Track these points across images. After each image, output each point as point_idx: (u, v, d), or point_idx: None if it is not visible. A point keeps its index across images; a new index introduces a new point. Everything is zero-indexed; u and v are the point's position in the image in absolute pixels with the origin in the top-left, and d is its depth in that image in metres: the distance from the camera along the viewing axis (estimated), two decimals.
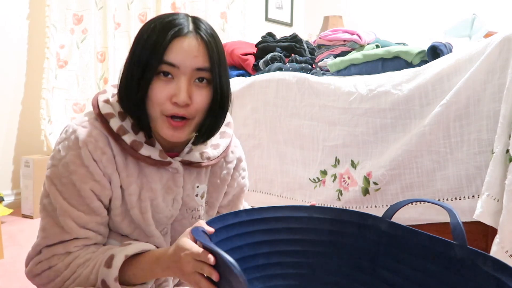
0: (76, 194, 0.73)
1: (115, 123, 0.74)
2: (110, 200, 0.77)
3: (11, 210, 1.87)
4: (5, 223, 1.99)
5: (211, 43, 0.72)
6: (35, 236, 0.75)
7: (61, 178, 0.73)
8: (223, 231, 0.83)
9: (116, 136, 0.73)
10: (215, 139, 0.86)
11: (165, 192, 0.81)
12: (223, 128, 0.87)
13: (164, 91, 0.70)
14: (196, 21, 0.74)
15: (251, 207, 0.93)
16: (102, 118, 0.74)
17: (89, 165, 0.72)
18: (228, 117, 0.88)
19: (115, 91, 0.79)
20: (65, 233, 0.73)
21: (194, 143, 0.82)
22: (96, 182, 0.73)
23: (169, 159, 0.78)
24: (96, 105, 0.76)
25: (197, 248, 0.62)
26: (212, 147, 0.85)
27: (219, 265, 0.59)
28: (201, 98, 0.73)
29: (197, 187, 0.85)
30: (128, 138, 0.74)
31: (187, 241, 0.64)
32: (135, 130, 0.76)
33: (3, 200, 2.07)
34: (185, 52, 0.70)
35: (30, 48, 2.37)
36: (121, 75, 0.75)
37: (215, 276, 0.57)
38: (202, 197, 0.87)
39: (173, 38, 0.70)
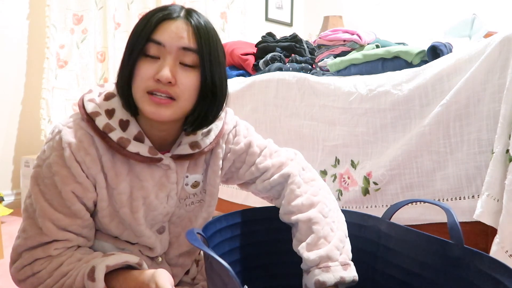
0: (58, 196, 0.72)
1: (100, 121, 0.73)
2: (95, 203, 0.76)
3: (11, 210, 1.87)
4: (5, 223, 1.99)
5: (200, 28, 0.72)
6: None
7: (44, 179, 0.72)
8: (228, 230, 0.83)
9: (102, 134, 0.72)
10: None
11: (158, 189, 0.79)
12: None
13: (149, 69, 0.70)
14: (189, 10, 0.74)
15: (254, 207, 0.93)
16: (87, 117, 0.73)
17: (71, 166, 0.71)
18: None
19: (102, 90, 0.79)
20: (44, 235, 0.72)
21: (185, 130, 0.80)
22: (78, 184, 0.72)
23: (159, 155, 0.77)
24: (81, 105, 0.75)
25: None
26: (203, 135, 0.83)
27: (215, 267, 0.60)
28: (186, 79, 0.71)
29: (187, 177, 0.83)
30: (114, 135, 0.72)
31: (161, 277, 0.65)
32: (123, 127, 0.74)
33: (3, 200, 2.07)
34: (172, 32, 0.70)
35: (30, 48, 2.37)
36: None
37: None
38: (194, 186, 0.85)
39: (162, 20, 0.70)
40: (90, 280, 0.67)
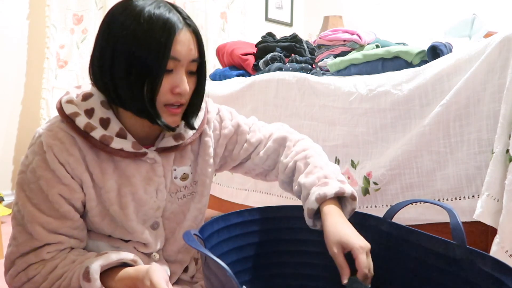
0: (45, 200, 0.71)
1: (81, 121, 0.73)
2: (84, 203, 0.76)
3: (11, 210, 1.87)
4: (5, 223, 1.99)
5: (198, 34, 0.76)
6: None
7: (29, 184, 0.72)
8: (225, 231, 0.83)
9: (84, 134, 0.72)
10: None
11: (146, 183, 0.79)
12: None
13: (166, 83, 0.72)
14: (178, 9, 0.74)
15: (253, 207, 0.93)
16: (67, 119, 0.73)
17: (55, 168, 0.71)
18: None
19: (79, 91, 0.79)
20: (35, 240, 0.72)
21: (187, 124, 0.83)
22: (64, 185, 0.72)
23: (144, 149, 0.77)
24: (60, 108, 0.75)
25: (162, 286, 0.62)
26: (185, 126, 0.84)
27: (212, 268, 0.60)
28: (192, 85, 0.77)
29: (175, 170, 0.84)
30: (96, 134, 0.73)
31: (155, 274, 0.64)
32: (104, 125, 0.74)
33: (3, 200, 2.07)
34: (184, 46, 0.72)
35: (30, 48, 2.37)
36: (113, 75, 0.71)
37: None
38: (184, 179, 0.85)
39: (175, 34, 0.70)
40: (85, 280, 0.67)
